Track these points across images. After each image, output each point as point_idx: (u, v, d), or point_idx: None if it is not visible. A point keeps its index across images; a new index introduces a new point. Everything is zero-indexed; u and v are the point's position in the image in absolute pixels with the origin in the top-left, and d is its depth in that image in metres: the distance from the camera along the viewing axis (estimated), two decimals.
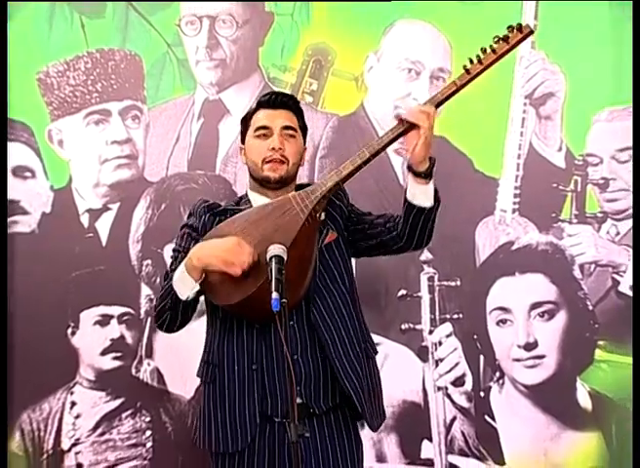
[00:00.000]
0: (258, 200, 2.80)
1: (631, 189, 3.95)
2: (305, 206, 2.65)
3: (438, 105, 2.65)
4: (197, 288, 2.60)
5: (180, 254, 2.77)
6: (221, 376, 2.72)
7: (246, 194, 2.88)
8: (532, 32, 2.69)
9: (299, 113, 2.88)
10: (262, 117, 2.83)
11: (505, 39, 2.66)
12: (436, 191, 2.67)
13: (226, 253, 2.55)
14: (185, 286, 2.60)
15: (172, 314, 2.68)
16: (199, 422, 2.80)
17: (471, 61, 2.64)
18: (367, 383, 2.76)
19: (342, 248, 2.82)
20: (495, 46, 2.66)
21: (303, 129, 2.89)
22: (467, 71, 2.65)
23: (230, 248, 2.56)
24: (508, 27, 2.67)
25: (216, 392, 2.74)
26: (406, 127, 2.60)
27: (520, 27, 2.67)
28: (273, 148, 2.76)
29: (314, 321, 2.70)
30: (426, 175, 2.62)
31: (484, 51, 2.65)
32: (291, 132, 2.80)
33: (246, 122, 2.86)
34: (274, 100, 2.85)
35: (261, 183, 2.81)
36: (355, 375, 2.72)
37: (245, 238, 2.59)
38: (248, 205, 2.82)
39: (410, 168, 2.63)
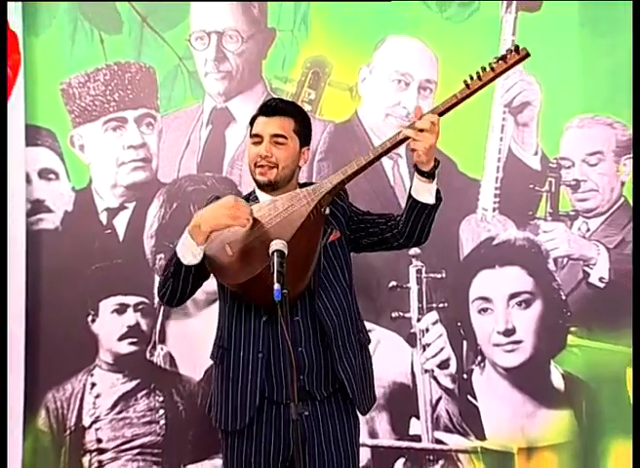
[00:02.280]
0: (264, 199, 2.85)
1: (621, 189, 3.99)
2: (312, 199, 2.68)
3: (440, 115, 2.66)
4: (201, 254, 2.64)
5: None
6: (229, 359, 2.78)
7: (254, 191, 2.91)
8: (528, 55, 2.69)
9: (296, 117, 2.87)
10: (257, 125, 2.86)
11: (504, 59, 2.67)
12: (438, 190, 2.72)
13: (229, 209, 2.61)
14: (189, 251, 2.65)
15: (173, 282, 2.71)
16: (211, 401, 2.88)
17: (471, 78, 2.66)
18: (359, 371, 2.82)
19: (344, 245, 2.86)
20: (494, 65, 2.67)
21: (301, 132, 2.87)
22: (467, 86, 2.66)
23: (231, 204, 2.62)
24: (507, 49, 2.68)
25: (223, 373, 2.80)
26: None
27: (517, 49, 2.67)
28: (260, 155, 2.80)
29: (318, 311, 2.75)
30: (430, 175, 2.68)
31: (484, 69, 2.66)
32: (280, 139, 2.81)
33: (250, 127, 2.90)
34: (268, 108, 2.86)
35: (259, 187, 2.86)
36: (349, 365, 2.78)
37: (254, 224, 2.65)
38: (256, 201, 2.86)
39: (415, 167, 2.68)
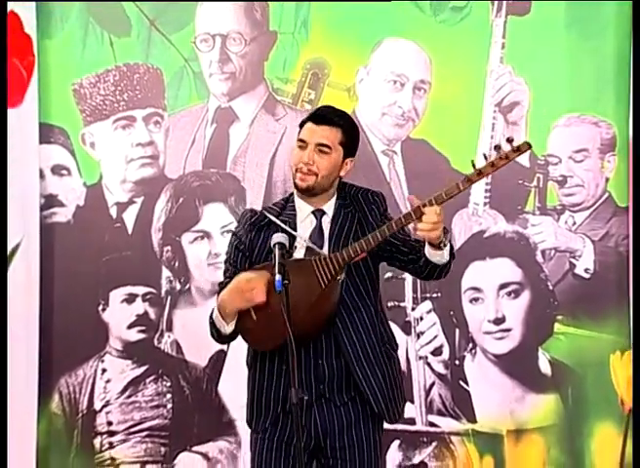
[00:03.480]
0: (301, 205, 2.79)
1: (605, 185, 4.02)
2: (325, 275, 2.64)
3: (441, 203, 2.58)
4: (232, 328, 2.67)
5: (230, 267, 2.80)
6: (255, 367, 2.78)
7: (293, 198, 2.83)
8: (530, 147, 2.61)
9: (344, 129, 2.76)
10: (305, 130, 2.76)
11: (506, 157, 2.58)
12: (451, 247, 2.68)
13: (242, 293, 2.59)
14: (223, 326, 2.67)
15: (219, 340, 2.76)
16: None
17: (474, 166, 2.59)
18: (387, 383, 2.76)
19: (370, 264, 2.79)
20: (494, 160, 2.58)
21: (347, 144, 2.77)
22: (468, 179, 2.60)
23: (242, 286, 2.60)
24: (508, 140, 2.58)
25: (251, 379, 2.80)
26: (417, 216, 2.57)
27: (518, 148, 2.58)
28: (302, 161, 2.73)
29: (337, 332, 2.71)
30: (440, 247, 2.62)
31: (488, 157, 2.60)
32: (324, 148, 2.72)
33: (299, 130, 2.82)
34: (318, 116, 2.77)
35: (297, 191, 2.80)
36: (375, 379, 2.73)
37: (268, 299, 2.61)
38: (292, 211, 2.79)
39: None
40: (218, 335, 2.74)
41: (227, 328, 2.68)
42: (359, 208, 2.81)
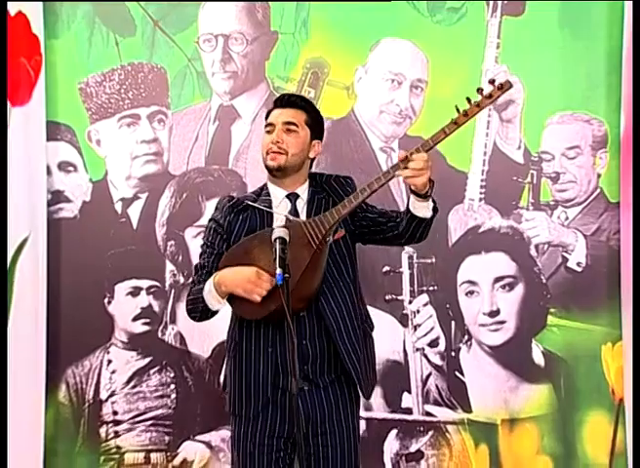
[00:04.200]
0: (275, 191, 2.84)
1: (597, 181, 4.04)
2: (316, 235, 2.66)
3: (429, 149, 2.63)
4: (225, 304, 2.71)
5: (207, 249, 2.83)
6: (241, 352, 2.79)
7: (266, 185, 2.90)
8: (511, 86, 2.66)
9: (308, 110, 2.87)
10: (271, 115, 2.87)
11: (489, 97, 2.65)
12: (434, 202, 2.70)
13: (248, 283, 2.62)
14: (215, 301, 2.70)
15: (202, 315, 2.79)
16: (227, 389, 2.89)
17: (457, 110, 2.63)
18: (364, 359, 2.81)
19: (349, 242, 2.84)
20: (478, 101, 2.65)
21: (312, 125, 2.87)
22: (455, 122, 2.64)
23: (251, 279, 2.62)
24: (490, 80, 2.64)
25: (236, 365, 2.81)
26: (405, 166, 2.60)
27: (501, 86, 2.64)
28: (272, 141, 2.80)
29: (322, 309, 2.74)
30: (426, 197, 2.65)
31: (469, 101, 2.65)
32: (291, 127, 2.81)
33: (266, 120, 2.90)
34: (282, 100, 2.89)
35: (270, 172, 2.85)
36: (355, 356, 2.77)
37: (262, 264, 2.64)
38: (267, 197, 2.84)
39: (411, 189, 2.65)
40: (202, 311, 2.75)
41: (221, 303, 2.71)
42: (333, 192, 2.84)
